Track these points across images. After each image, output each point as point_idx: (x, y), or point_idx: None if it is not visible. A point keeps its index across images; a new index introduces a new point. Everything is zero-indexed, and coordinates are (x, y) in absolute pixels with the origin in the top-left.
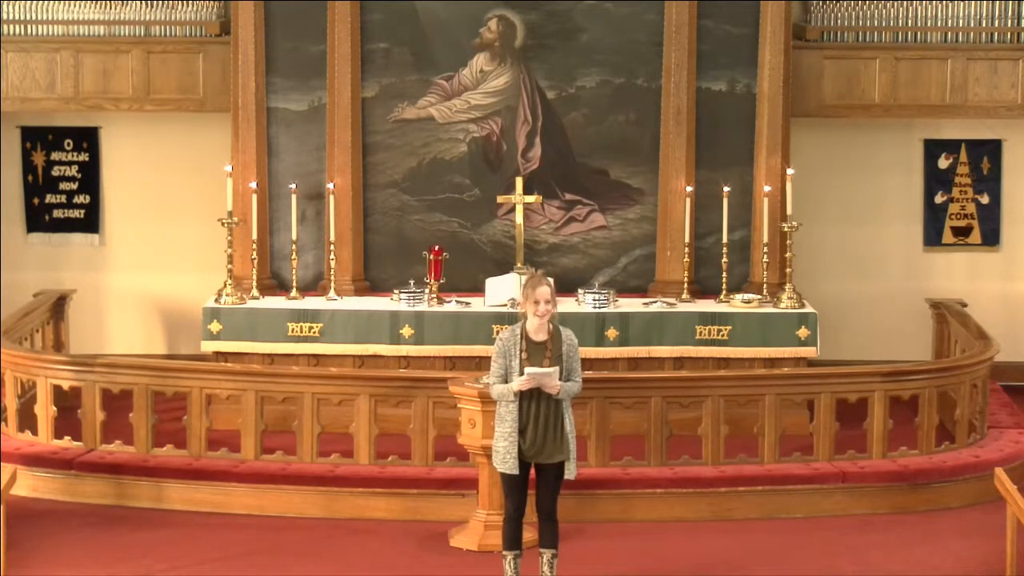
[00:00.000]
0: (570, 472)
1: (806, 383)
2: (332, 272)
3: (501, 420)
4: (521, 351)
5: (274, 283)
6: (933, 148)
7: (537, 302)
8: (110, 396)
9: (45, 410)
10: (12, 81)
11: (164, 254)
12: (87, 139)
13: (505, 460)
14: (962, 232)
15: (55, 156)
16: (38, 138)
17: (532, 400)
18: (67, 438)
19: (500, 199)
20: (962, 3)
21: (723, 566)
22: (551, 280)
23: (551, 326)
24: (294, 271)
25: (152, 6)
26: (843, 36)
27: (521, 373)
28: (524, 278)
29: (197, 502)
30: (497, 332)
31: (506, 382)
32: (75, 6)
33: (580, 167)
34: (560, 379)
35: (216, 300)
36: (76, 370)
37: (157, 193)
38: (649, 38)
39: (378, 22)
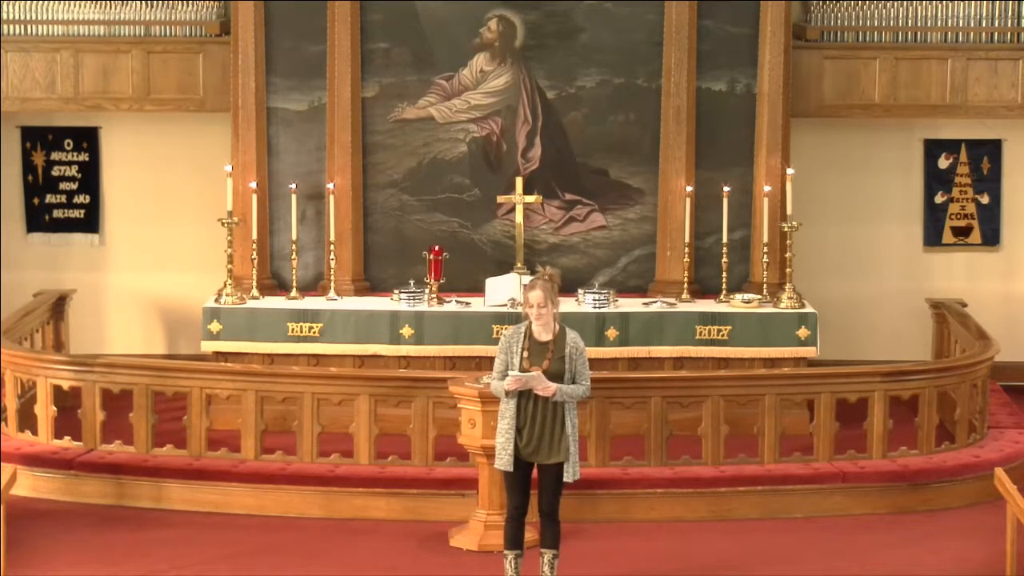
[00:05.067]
0: (569, 475)
1: (806, 383)
2: (332, 272)
3: (501, 416)
4: (523, 349)
5: (274, 283)
6: (933, 148)
7: (531, 306)
8: (110, 396)
9: (45, 410)
10: (12, 81)
11: (164, 254)
12: (87, 139)
13: (501, 457)
14: (962, 232)
15: (55, 156)
16: (38, 138)
17: (531, 399)
18: (67, 438)
19: (500, 199)
20: (962, 3)
21: (723, 566)
22: (556, 277)
23: (557, 326)
24: (294, 271)
25: (152, 6)
26: (843, 36)
27: (522, 371)
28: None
29: (197, 502)
30: (498, 332)
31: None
32: (75, 6)
33: (580, 167)
34: (564, 381)
35: (216, 300)
36: (76, 370)
37: (157, 193)
38: (649, 38)
39: (378, 22)
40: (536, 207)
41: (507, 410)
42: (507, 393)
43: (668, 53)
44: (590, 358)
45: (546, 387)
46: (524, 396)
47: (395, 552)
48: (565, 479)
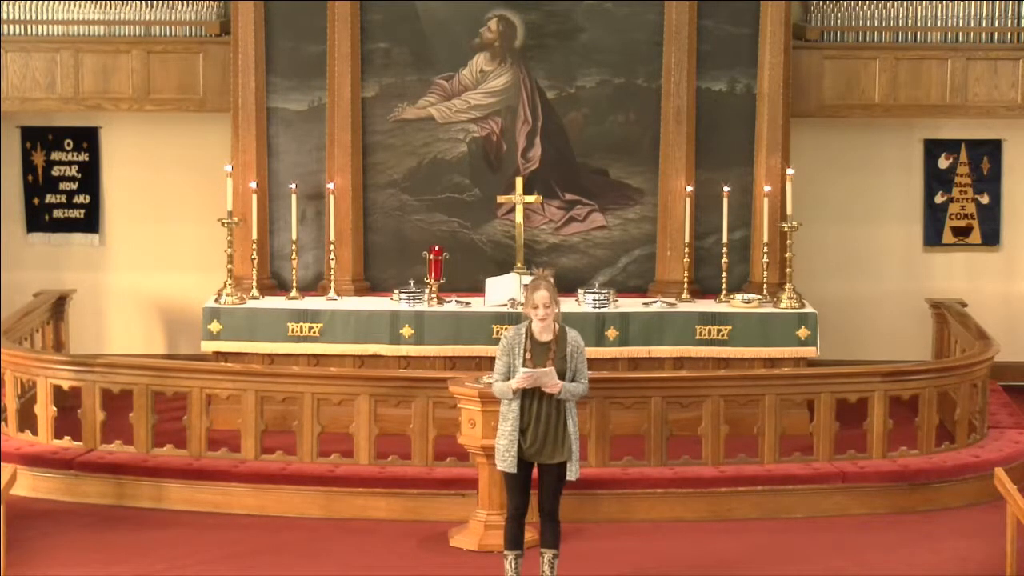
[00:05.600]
0: (571, 473)
1: (806, 383)
2: (332, 272)
3: (503, 418)
4: (525, 350)
5: (274, 283)
6: (933, 148)
7: (536, 307)
8: (110, 396)
9: (45, 410)
10: (12, 81)
11: (164, 254)
12: (87, 139)
13: (504, 458)
14: (962, 232)
15: (55, 156)
16: (38, 138)
17: (534, 399)
18: (67, 438)
19: (500, 199)
20: (962, 3)
21: (723, 566)
22: (552, 279)
23: (557, 326)
24: (294, 271)
25: (152, 6)
26: (843, 36)
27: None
28: (529, 280)
29: (197, 502)
30: (498, 332)
31: (508, 380)
32: (75, 6)
33: (580, 167)
34: (565, 380)
35: (216, 300)
36: (76, 370)
37: (157, 193)
38: (649, 38)
39: (378, 22)
40: (536, 207)
41: (509, 412)
42: (514, 392)
43: (668, 53)
44: (590, 358)
45: (554, 384)
46: (527, 397)
47: (395, 552)
48: (568, 478)
